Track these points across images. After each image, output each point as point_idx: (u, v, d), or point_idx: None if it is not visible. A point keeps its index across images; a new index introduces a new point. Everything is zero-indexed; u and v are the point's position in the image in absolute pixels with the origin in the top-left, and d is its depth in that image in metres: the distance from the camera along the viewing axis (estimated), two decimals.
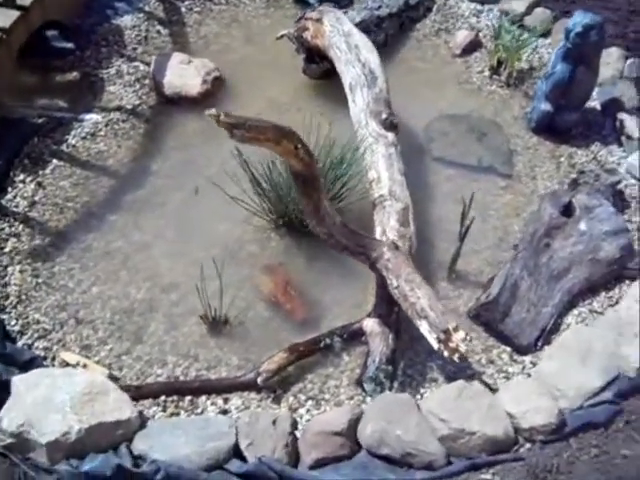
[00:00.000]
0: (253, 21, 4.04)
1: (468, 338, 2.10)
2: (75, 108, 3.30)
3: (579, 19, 3.08)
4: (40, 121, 3.17)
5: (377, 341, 2.37)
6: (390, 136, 2.89)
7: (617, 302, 2.63)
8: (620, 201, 3.02)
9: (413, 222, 2.69)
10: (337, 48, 3.17)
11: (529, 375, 2.37)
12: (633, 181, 3.13)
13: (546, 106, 3.32)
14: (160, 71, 3.41)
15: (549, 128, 3.39)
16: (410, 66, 3.84)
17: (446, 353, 2.12)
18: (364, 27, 3.70)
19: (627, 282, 2.72)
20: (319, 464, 2.05)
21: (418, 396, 2.32)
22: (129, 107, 3.33)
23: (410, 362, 2.43)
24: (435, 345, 2.13)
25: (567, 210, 2.79)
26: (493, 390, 2.27)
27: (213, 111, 1.84)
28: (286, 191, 2.73)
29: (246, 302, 2.65)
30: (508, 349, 2.51)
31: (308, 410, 2.26)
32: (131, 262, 2.76)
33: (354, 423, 2.10)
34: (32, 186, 2.94)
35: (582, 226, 2.72)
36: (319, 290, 2.67)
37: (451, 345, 2.10)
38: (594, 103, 3.51)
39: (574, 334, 2.40)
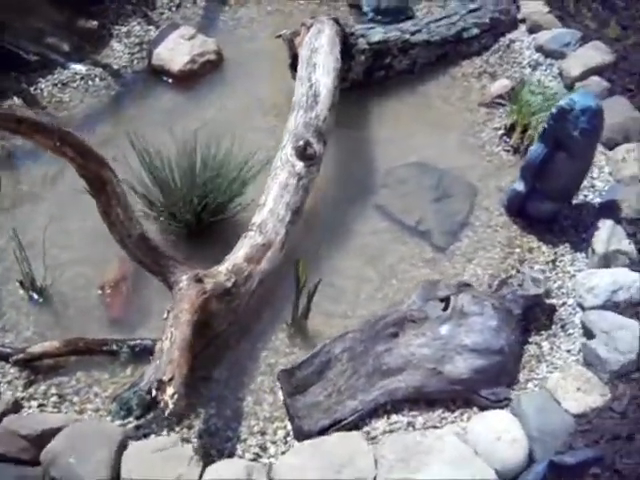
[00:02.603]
0: (295, 14, 3.91)
1: (175, 397, 1.91)
2: (72, 55, 3.43)
3: (572, 99, 2.59)
4: (33, 59, 3.34)
5: (154, 366, 2.24)
6: (298, 166, 2.66)
7: (441, 427, 2.24)
8: (540, 320, 2.55)
9: (270, 262, 2.49)
10: (301, 62, 2.97)
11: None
12: (571, 301, 2.62)
13: (519, 185, 2.86)
14: (158, 40, 3.44)
15: (520, 212, 2.93)
16: (426, 102, 3.51)
17: (161, 404, 1.96)
18: (383, 49, 3.44)
19: (475, 410, 2.30)
20: None
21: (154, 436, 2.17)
22: (115, 67, 3.40)
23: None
24: (153, 392, 1.97)
25: (446, 306, 2.41)
26: None
27: None
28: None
29: (86, 281, 2.63)
30: (289, 427, 2.25)
31: (43, 405, 2.21)
32: None
33: (47, 435, 2.03)
34: None
35: (443, 330, 2.33)
36: (158, 298, 2.57)
37: (164, 397, 1.93)
38: (596, 200, 2.98)
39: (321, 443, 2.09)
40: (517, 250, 2.85)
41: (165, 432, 2.19)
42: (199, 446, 2.15)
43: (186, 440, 2.16)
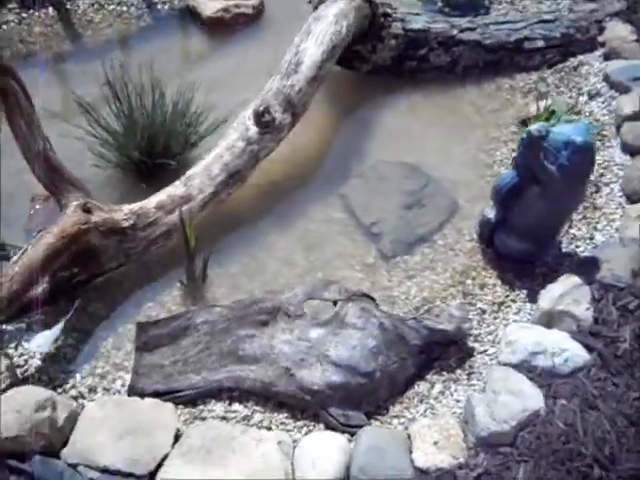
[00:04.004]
0: None
1: None
2: None
3: (547, 128, 2.25)
4: None
5: None
6: (251, 130, 2.54)
7: (273, 431, 2.06)
8: (448, 360, 2.27)
9: (184, 215, 2.40)
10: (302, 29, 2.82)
11: None
12: (493, 351, 2.31)
13: (490, 212, 2.55)
14: None
15: (489, 242, 2.62)
16: (454, 105, 3.23)
17: None
18: (420, 38, 3.19)
19: (320, 427, 2.10)
20: None
21: None
22: (155, 0, 3.43)
23: None
24: None
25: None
26: None
27: None
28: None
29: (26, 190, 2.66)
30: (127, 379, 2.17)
31: None
32: None
33: None
34: None
35: (313, 333, 2.13)
36: None
37: None
38: (587, 254, 2.59)
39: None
40: (468, 282, 2.55)
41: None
42: (37, 368, 2.14)
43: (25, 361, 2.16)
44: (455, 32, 3.24)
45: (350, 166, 2.93)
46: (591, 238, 2.66)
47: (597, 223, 2.72)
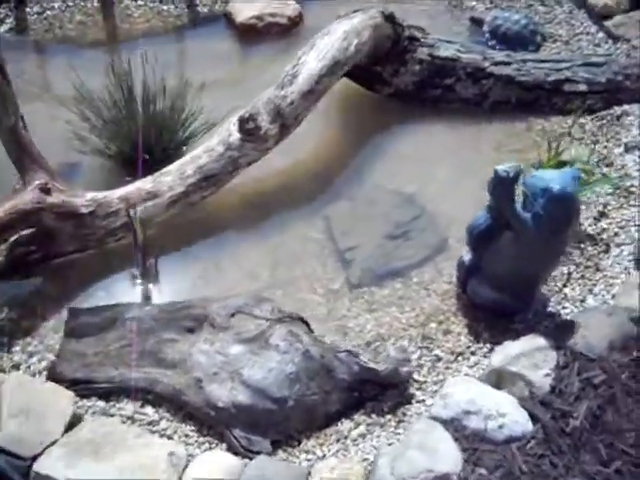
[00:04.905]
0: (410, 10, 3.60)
1: None
2: None
3: (509, 168, 2.06)
4: None
5: None
6: (233, 136, 2.50)
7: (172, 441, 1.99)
8: (382, 403, 2.12)
9: (147, 211, 2.39)
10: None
11: None
12: (431, 402, 2.12)
13: (466, 254, 2.37)
14: None
15: (465, 286, 2.43)
16: (473, 141, 3.05)
17: None
18: (447, 67, 3.04)
19: (222, 447, 2.00)
20: None
21: None
22: (196, 2, 3.47)
23: None
24: None
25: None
26: None
27: None
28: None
29: None
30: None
31: None
32: None
33: None
34: None
35: (233, 348, 2.04)
36: None
37: None
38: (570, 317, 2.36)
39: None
40: (432, 325, 2.38)
41: None
42: None
43: None
44: (487, 64, 3.06)
45: (345, 187, 2.82)
46: (582, 301, 2.43)
47: (594, 286, 2.47)
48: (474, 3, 3.68)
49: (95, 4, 3.41)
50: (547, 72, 3.11)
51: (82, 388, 2.08)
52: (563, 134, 3.06)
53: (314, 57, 2.62)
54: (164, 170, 2.46)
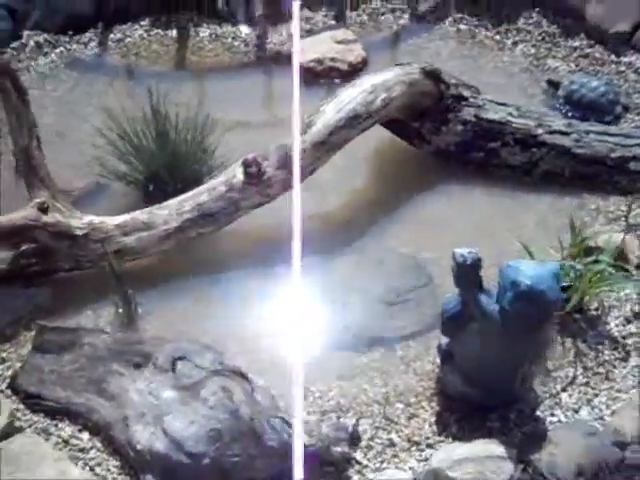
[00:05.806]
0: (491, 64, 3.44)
1: None
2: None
3: (468, 254, 1.88)
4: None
5: None
6: (236, 178, 2.49)
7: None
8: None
9: (140, 242, 2.45)
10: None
11: None
12: None
13: (443, 337, 2.18)
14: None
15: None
16: (514, 212, 2.82)
17: None
18: (494, 130, 2.85)
19: None
20: None
21: None
22: (267, 40, 3.52)
23: None
24: None
25: None
26: None
27: None
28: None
29: None
30: None
31: None
32: None
33: None
34: None
35: (167, 393, 2.00)
36: None
37: None
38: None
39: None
40: (399, 406, 2.21)
41: None
42: None
43: None
44: (540, 132, 2.82)
45: (354, 244, 2.71)
46: (576, 411, 2.16)
47: (596, 396, 2.19)
48: (558, 64, 3.40)
49: (174, 35, 3.57)
50: (612, 147, 2.81)
51: (33, 402, 2.16)
52: (619, 217, 2.74)
53: (333, 108, 2.55)
54: (163, 204, 2.51)
